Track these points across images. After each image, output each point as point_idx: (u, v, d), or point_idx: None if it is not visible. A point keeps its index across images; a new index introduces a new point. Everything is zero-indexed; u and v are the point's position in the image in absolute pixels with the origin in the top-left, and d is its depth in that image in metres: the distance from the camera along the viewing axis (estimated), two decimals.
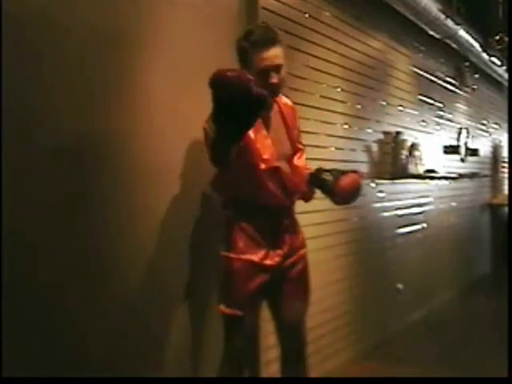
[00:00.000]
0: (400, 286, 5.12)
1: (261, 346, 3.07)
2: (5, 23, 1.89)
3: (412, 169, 5.13)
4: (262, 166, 2.46)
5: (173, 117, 2.64)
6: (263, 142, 2.48)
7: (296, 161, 2.61)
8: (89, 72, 2.23)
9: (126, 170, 2.42)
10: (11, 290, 1.90)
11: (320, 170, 2.63)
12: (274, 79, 2.42)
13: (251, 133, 2.39)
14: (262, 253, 2.50)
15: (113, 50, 2.35)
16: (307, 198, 2.78)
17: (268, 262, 2.51)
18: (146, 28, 2.51)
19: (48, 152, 2.06)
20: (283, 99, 2.66)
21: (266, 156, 2.47)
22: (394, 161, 4.97)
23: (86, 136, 2.23)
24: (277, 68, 2.42)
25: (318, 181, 2.62)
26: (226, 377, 2.59)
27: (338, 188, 2.56)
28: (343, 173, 2.62)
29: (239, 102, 2.02)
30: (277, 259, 2.53)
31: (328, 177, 2.58)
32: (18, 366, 1.93)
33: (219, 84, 2.03)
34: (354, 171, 2.71)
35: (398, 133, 5.04)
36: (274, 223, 2.55)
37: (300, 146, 2.66)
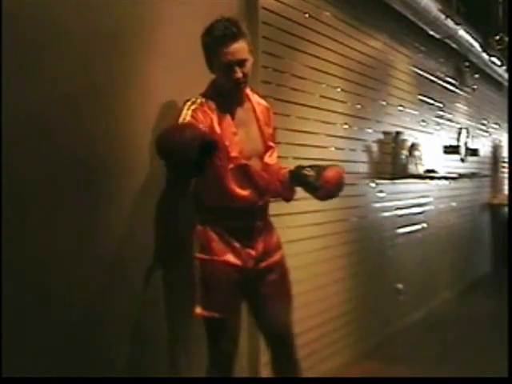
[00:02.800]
0: (400, 285, 5.13)
1: (260, 346, 3.07)
2: (5, 23, 1.88)
3: (412, 169, 5.13)
4: (230, 165, 2.42)
5: (173, 116, 2.64)
6: (231, 138, 2.44)
7: (267, 158, 2.56)
8: (89, 72, 2.23)
9: (124, 169, 2.42)
10: (11, 289, 1.90)
11: (300, 167, 2.60)
12: (238, 74, 2.39)
13: (218, 130, 2.40)
14: (234, 254, 2.47)
15: (113, 49, 2.35)
16: (287, 197, 2.73)
17: (240, 262, 2.47)
18: (146, 28, 2.51)
19: (48, 152, 2.06)
20: (256, 97, 2.63)
21: (233, 154, 2.43)
22: (393, 161, 4.98)
23: (86, 136, 2.23)
24: (240, 62, 2.39)
25: (299, 178, 2.58)
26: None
27: (322, 182, 2.54)
28: (324, 167, 2.60)
29: (184, 162, 2.16)
30: (249, 260, 2.49)
31: (309, 172, 2.55)
32: (18, 366, 1.93)
33: (163, 148, 2.20)
34: (335, 166, 2.70)
35: (398, 133, 5.04)
36: (246, 224, 2.50)
37: (271, 144, 2.59)
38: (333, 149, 4.06)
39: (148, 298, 2.51)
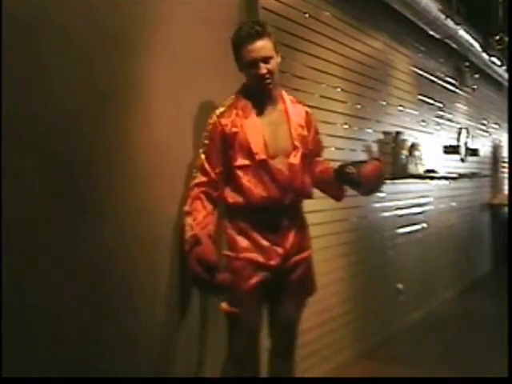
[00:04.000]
0: (400, 285, 5.13)
1: (261, 346, 3.07)
2: (5, 23, 1.88)
3: (412, 169, 5.13)
4: (250, 161, 2.51)
5: (173, 115, 2.64)
6: (254, 136, 2.52)
7: (291, 158, 2.59)
8: (89, 71, 2.23)
9: (126, 169, 2.41)
10: (11, 289, 1.90)
11: (343, 166, 2.64)
12: (263, 70, 2.48)
13: (239, 128, 2.51)
14: (260, 251, 2.53)
15: (113, 49, 2.34)
16: (337, 196, 2.79)
17: (266, 261, 2.53)
18: (146, 28, 2.51)
19: (48, 152, 2.06)
20: (292, 100, 2.69)
21: (255, 150, 2.50)
22: (393, 161, 4.97)
23: (86, 136, 2.23)
24: (264, 59, 2.48)
25: (342, 176, 2.61)
26: (227, 376, 2.61)
27: (362, 178, 2.56)
28: (363, 162, 2.65)
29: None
30: (276, 259, 2.55)
31: (351, 170, 2.58)
32: (17, 366, 1.93)
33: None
34: (376, 158, 2.78)
35: (398, 133, 5.04)
36: (273, 223, 2.56)
37: (297, 144, 2.60)
38: (333, 149, 4.05)
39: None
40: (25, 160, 1.98)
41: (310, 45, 3.79)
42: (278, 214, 2.56)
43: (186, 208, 2.50)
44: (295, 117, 2.63)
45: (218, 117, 2.54)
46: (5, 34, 1.88)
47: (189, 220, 2.46)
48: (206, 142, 2.55)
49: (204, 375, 2.76)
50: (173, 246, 2.62)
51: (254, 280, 2.51)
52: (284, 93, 2.68)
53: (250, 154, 2.50)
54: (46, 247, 2.05)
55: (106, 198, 2.31)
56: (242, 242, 2.53)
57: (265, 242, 2.53)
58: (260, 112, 2.57)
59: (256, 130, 2.52)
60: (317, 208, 3.45)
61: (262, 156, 2.51)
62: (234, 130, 2.51)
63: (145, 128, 2.50)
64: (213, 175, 2.52)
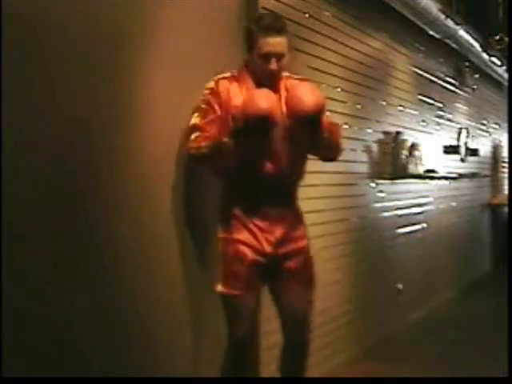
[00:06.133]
0: (400, 285, 5.13)
1: (261, 346, 3.07)
2: (5, 23, 1.88)
3: (412, 169, 5.13)
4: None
5: (173, 115, 2.64)
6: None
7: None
8: (89, 72, 2.23)
9: (125, 167, 2.42)
10: (11, 290, 1.90)
11: None
12: (274, 65, 2.52)
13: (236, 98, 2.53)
14: (251, 235, 2.56)
15: (113, 50, 2.35)
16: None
17: (257, 244, 2.56)
18: (146, 28, 2.51)
19: (49, 152, 2.06)
20: (293, 81, 2.68)
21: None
22: (393, 161, 4.97)
23: (86, 136, 2.23)
24: (278, 55, 2.51)
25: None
26: (227, 368, 2.65)
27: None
28: None
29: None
30: (266, 244, 2.57)
31: None
32: (17, 366, 1.93)
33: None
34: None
35: (398, 133, 5.04)
36: (267, 208, 2.57)
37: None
38: None
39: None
40: (25, 160, 1.98)
41: (310, 45, 3.79)
42: (272, 202, 2.57)
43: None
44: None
45: (216, 81, 2.58)
46: (5, 34, 1.88)
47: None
48: (203, 106, 2.57)
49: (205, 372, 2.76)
50: (169, 243, 2.63)
51: (246, 262, 2.54)
52: (286, 80, 2.66)
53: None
54: (46, 247, 2.05)
55: (106, 198, 2.31)
56: (235, 223, 2.58)
57: (255, 227, 2.56)
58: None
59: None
60: (317, 208, 3.45)
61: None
62: (225, 95, 2.55)
63: (144, 128, 2.50)
64: (207, 133, 2.52)
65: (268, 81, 2.57)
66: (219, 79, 2.59)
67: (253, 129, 2.43)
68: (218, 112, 2.54)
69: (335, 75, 4.12)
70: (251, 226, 2.57)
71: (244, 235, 2.56)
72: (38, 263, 2.02)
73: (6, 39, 1.88)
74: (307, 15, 3.75)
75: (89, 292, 2.21)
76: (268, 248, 2.57)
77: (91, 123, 2.25)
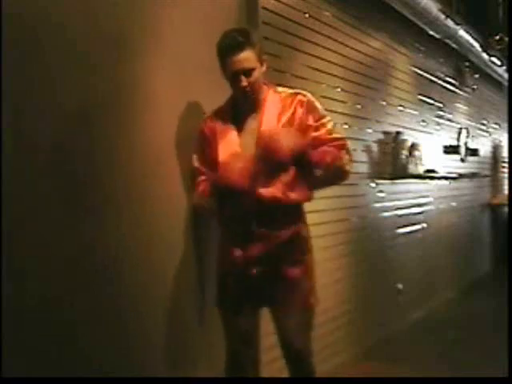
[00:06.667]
0: (400, 285, 5.13)
1: (261, 346, 3.06)
2: (5, 23, 1.88)
3: (412, 169, 5.13)
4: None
5: (173, 115, 2.64)
6: (224, 143, 2.53)
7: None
8: (89, 72, 2.23)
9: (126, 166, 2.42)
10: (11, 290, 1.90)
11: None
12: (243, 82, 2.44)
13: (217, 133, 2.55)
14: (236, 255, 2.50)
15: (113, 50, 2.35)
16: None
17: (236, 262, 2.50)
18: (146, 28, 2.51)
19: (49, 152, 2.06)
20: (280, 95, 2.56)
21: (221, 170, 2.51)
22: (393, 161, 4.98)
23: (86, 135, 2.23)
24: (246, 71, 2.43)
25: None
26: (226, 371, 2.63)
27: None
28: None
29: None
30: (241, 262, 2.50)
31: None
32: (18, 366, 1.93)
33: None
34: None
35: (398, 133, 5.04)
36: (246, 225, 2.48)
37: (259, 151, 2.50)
38: None
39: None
40: (25, 160, 1.98)
41: (310, 45, 3.79)
42: (249, 217, 2.47)
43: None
44: (268, 123, 2.50)
45: (205, 121, 2.62)
46: (5, 34, 1.88)
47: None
48: (198, 147, 2.63)
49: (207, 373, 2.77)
50: (172, 247, 2.63)
51: (232, 282, 2.55)
52: (271, 92, 2.56)
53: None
54: (46, 247, 2.05)
55: (106, 198, 2.31)
56: (224, 244, 2.59)
57: (235, 246, 2.50)
58: (239, 121, 2.54)
59: (231, 146, 2.50)
60: (317, 208, 3.45)
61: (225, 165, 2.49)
62: (211, 135, 2.56)
63: (144, 127, 2.50)
64: (207, 174, 2.59)
65: (244, 100, 2.50)
66: (206, 118, 2.62)
67: (227, 195, 2.49)
68: (208, 156, 2.57)
69: (335, 75, 4.12)
70: (235, 243, 2.50)
71: (227, 255, 2.53)
72: (38, 263, 2.03)
73: (5, 39, 1.89)
74: (307, 15, 3.75)
75: (89, 292, 2.21)
76: (241, 266, 2.49)
77: (91, 123, 2.25)
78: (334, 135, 2.56)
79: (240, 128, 2.53)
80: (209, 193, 2.57)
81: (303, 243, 2.59)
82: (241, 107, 2.55)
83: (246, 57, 2.42)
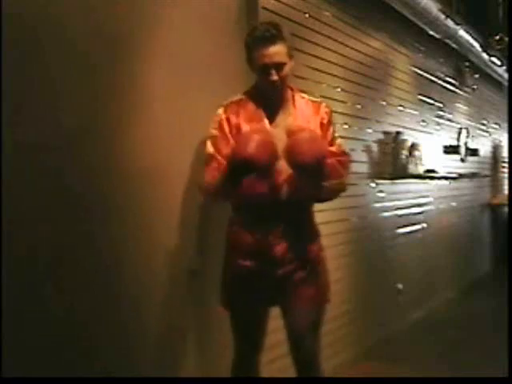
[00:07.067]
0: (400, 285, 5.13)
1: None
2: (5, 23, 1.88)
3: (412, 169, 5.13)
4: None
5: (173, 115, 2.64)
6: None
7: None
8: (89, 72, 2.23)
9: (126, 166, 2.42)
10: (11, 290, 1.90)
11: None
12: (274, 76, 2.41)
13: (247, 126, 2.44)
14: (250, 256, 2.48)
15: (113, 50, 2.35)
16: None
17: (254, 265, 2.48)
18: (146, 28, 2.51)
19: (49, 152, 2.06)
20: (305, 99, 2.58)
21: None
22: (393, 161, 4.97)
23: (86, 135, 2.23)
24: (277, 65, 2.41)
25: None
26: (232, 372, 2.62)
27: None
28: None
29: None
30: (266, 265, 2.48)
31: None
32: (18, 366, 1.93)
33: None
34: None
35: (398, 133, 5.04)
36: (266, 229, 2.47)
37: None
38: None
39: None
40: (25, 160, 1.98)
41: (310, 45, 3.78)
42: (270, 220, 2.46)
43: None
44: (302, 121, 2.51)
45: (225, 109, 2.49)
46: (5, 34, 1.88)
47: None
48: (215, 132, 2.47)
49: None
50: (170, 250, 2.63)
51: (245, 285, 2.50)
52: (297, 94, 2.58)
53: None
54: (46, 246, 2.05)
55: (106, 197, 2.31)
56: (236, 246, 2.51)
57: (255, 247, 2.47)
58: (267, 113, 2.50)
59: (256, 123, 2.45)
60: (317, 208, 3.45)
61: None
62: (232, 121, 2.47)
63: (144, 127, 2.50)
64: (223, 163, 2.41)
65: (272, 94, 2.48)
66: (228, 104, 2.51)
67: (240, 171, 2.35)
68: (230, 140, 2.44)
69: (335, 75, 4.12)
70: (251, 246, 2.47)
71: (239, 256, 2.49)
72: (38, 263, 2.03)
73: (6, 39, 1.89)
74: (307, 15, 3.75)
75: (89, 292, 2.21)
76: (266, 268, 2.48)
77: (91, 123, 2.25)
78: (342, 149, 2.61)
79: (270, 119, 2.49)
80: (222, 176, 2.39)
81: (319, 241, 2.67)
82: (267, 100, 2.51)
83: (278, 51, 2.41)
